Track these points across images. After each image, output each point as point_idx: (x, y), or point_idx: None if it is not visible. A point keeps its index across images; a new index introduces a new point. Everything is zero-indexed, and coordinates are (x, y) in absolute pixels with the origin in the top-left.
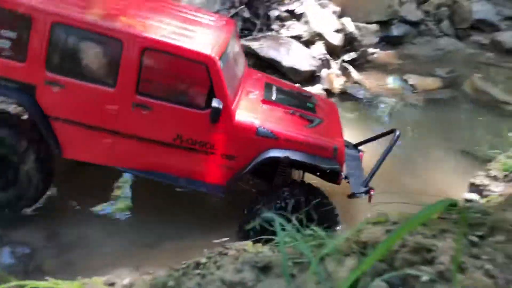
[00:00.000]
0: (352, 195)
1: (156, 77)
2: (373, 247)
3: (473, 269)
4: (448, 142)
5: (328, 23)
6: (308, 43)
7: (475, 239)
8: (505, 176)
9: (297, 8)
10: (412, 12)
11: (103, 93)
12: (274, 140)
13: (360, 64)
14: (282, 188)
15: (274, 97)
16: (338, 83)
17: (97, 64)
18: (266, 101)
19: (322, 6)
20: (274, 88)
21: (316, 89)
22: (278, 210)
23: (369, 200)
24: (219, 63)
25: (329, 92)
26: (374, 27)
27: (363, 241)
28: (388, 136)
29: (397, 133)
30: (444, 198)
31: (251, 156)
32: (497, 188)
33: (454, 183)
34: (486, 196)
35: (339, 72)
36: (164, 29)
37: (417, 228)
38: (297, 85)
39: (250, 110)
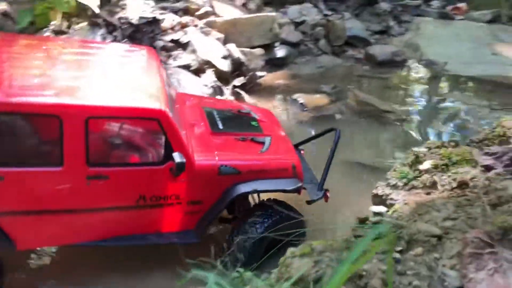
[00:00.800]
0: (311, 202)
1: (106, 143)
2: (304, 281)
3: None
4: (345, 155)
5: (214, 50)
6: (197, 72)
7: (397, 255)
8: (405, 184)
9: (182, 37)
10: (291, 34)
11: (51, 174)
12: (237, 175)
13: (251, 88)
14: (255, 213)
15: (220, 125)
16: None
17: (36, 146)
18: (215, 133)
19: (206, 34)
20: (215, 114)
21: None
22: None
23: (326, 201)
24: (170, 114)
25: None
26: (259, 51)
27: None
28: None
29: (338, 131)
30: (354, 215)
31: (217, 196)
32: (398, 196)
33: (357, 196)
34: (390, 205)
35: (232, 97)
36: (100, 89)
37: (341, 254)
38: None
39: (205, 149)
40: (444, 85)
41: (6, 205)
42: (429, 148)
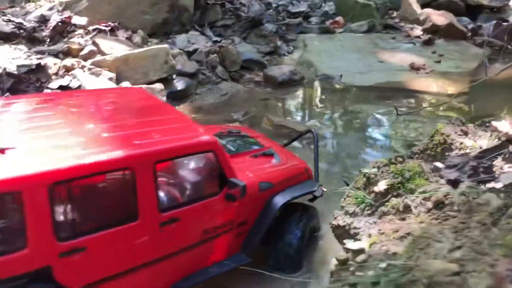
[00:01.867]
0: (314, 198)
1: (173, 185)
2: None
3: None
4: None
5: None
6: None
7: None
8: (365, 209)
9: (71, 82)
10: (186, 64)
11: (128, 230)
12: (271, 188)
13: None
14: (288, 219)
15: (232, 148)
16: None
17: (114, 204)
18: (232, 155)
19: (96, 74)
20: (220, 139)
21: None
22: (299, 240)
23: (321, 195)
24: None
25: None
26: (159, 85)
27: None
28: None
29: (314, 133)
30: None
31: (257, 213)
32: (360, 224)
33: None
34: (355, 235)
35: None
36: (149, 133)
37: None
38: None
39: (237, 171)
40: (346, 97)
41: (90, 276)
42: (378, 168)
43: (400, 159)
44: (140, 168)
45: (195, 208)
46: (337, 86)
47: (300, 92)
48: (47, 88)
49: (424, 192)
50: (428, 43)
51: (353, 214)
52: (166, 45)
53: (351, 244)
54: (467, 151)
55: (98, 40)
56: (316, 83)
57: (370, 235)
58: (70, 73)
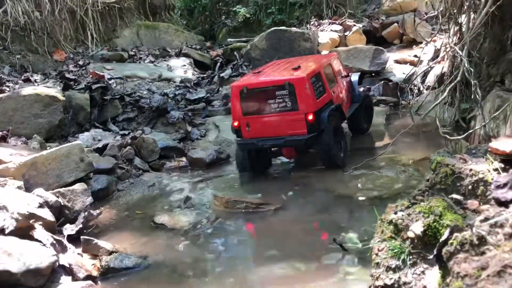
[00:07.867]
0: None
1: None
2: None
3: None
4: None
5: (25, 202)
6: (21, 233)
7: None
8: (406, 260)
9: None
10: (100, 161)
11: None
12: None
13: (89, 232)
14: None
15: None
16: (89, 263)
17: None
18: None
19: (1, 185)
20: None
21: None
22: None
23: None
24: None
25: (90, 278)
26: (80, 186)
27: None
28: None
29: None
30: None
31: None
32: (408, 277)
33: None
34: None
35: (79, 251)
36: None
37: None
38: None
39: None
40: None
41: None
42: (400, 211)
43: (421, 198)
44: None
45: None
46: None
47: (233, 168)
48: None
49: (487, 219)
50: None
51: (396, 269)
52: (79, 141)
53: None
54: (480, 176)
55: None
56: None
57: (447, 284)
58: None
